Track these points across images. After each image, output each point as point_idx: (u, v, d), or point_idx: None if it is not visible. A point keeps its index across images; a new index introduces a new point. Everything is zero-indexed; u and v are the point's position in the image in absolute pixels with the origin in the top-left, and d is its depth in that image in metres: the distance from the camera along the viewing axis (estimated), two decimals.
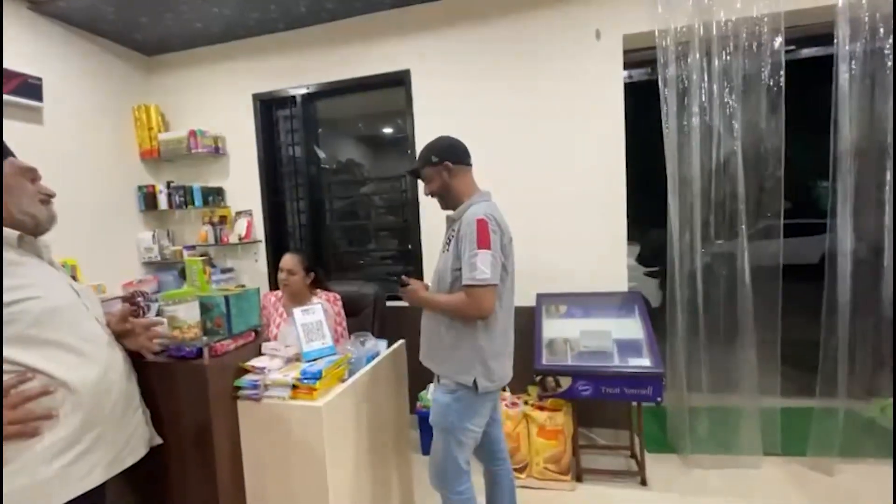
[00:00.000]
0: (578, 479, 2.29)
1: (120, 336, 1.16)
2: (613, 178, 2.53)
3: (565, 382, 2.17)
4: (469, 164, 1.63)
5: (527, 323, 2.49)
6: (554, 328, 2.46)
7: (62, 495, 0.92)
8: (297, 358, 1.46)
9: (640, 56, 2.56)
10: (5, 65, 2.35)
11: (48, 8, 2.54)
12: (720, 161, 2.31)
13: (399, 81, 2.81)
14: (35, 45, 2.55)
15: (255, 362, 1.37)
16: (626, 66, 2.53)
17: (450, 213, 1.62)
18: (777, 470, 2.29)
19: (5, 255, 0.94)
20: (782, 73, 2.19)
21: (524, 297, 2.61)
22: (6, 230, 0.97)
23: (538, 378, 2.21)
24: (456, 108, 2.72)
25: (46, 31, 2.62)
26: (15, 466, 0.88)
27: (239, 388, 1.33)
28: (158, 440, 1.21)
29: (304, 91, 3.00)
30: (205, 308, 1.31)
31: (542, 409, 2.35)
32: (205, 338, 1.29)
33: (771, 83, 2.21)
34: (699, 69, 2.27)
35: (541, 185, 2.64)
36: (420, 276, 2.83)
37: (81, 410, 0.96)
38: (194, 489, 1.28)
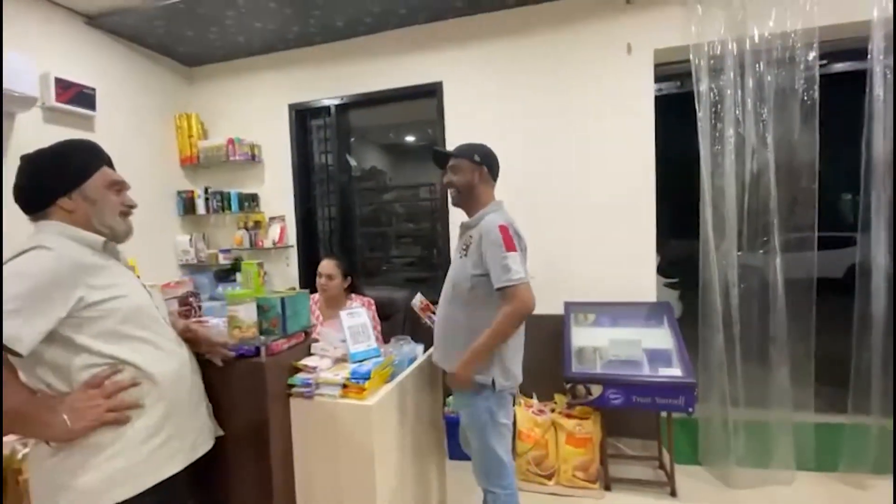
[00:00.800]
0: (607, 487, 2.30)
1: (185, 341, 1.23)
2: (643, 189, 2.57)
3: (596, 391, 2.19)
4: (496, 180, 1.74)
5: (553, 331, 2.53)
6: (582, 336, 2.49)
7: (153, 477, 0.99)
8: (344, 358, 1.52)
9: (670, 69, 2.61)
10: (63, 75, 2.49)
11: (103, 22, 2.68)
12: (753, 173, 2.32)
13: (431, 93, 2.90)
14: (90, 57, 2.70)
15: (308, 361, 1.43)
16: (657, 79, 2.57)
17: (466, 220, 1.70)
18: (810, 485, 2.26)
19: (93, 258, 1.02)
20: (816, 87, 2.21)
21: (551, 305, 2.65)
22: (93, 236, 1.04)
23: (568, 386, 2.23)
24: (487, 119, 2.80)
25: (100, 44, 2.77)
26: (112, 450, 0.95)
27: (292, 385, 1.39)
28: (221, 432, 1.27)
29: (338, 102, 3.11)
30: (262, 309, 1.38)
31: (570, 416, 2.37)
32: (262, 337, 1.36)
33: (805, 97, 2.23)
34: (732, 84, 2.30)
35: (571, 195, 2.69)
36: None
37: (163, 401, 1.03)
38: (250, 481, 1.34)
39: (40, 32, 2.44)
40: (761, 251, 2.32)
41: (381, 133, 3.46)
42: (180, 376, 1.09)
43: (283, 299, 1.41)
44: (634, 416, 2.57)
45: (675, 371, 2.16)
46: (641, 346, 2.31)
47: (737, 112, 2.30)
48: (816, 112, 2.21)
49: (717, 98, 2.34)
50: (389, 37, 2.94)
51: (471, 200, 1.69)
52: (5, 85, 2.13)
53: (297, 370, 1.42)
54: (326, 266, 2.28)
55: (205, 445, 1.16)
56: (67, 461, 0.93)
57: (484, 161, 1.67)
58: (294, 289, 1.71)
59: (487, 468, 1.62)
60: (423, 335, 2.25)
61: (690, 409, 2.07)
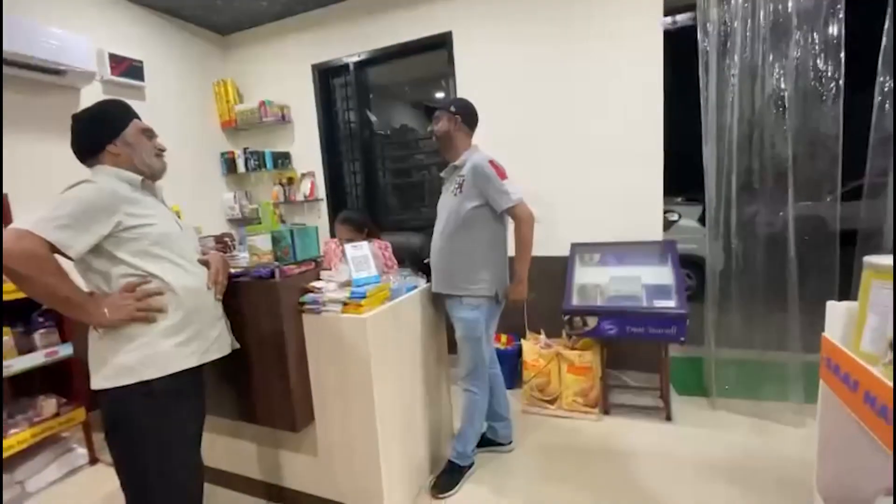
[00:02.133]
0: (606, 412, 2.48)
1: None
2: (650, 129, 2.56)
3: (592, 322, 2.33)
4: (472, 130, 1.97)
5: (562, 272, 2.65)
6: (586, 275, 2.60)
7: (173, 365, 1.27)
8: (348, 283, 1.76)
9: None
10: (114, 50, 2.82)
11: None
12: (765, 106, 2.25)
13: (441, 44, 2.97)
14: (135, 33, 3.02)
15: (315, 284, 1.69)
16: (669, 11, 2.49)
17: (454, 163, 1.92)
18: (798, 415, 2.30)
19: (132, 193, 1.29)
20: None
21: (560, 246, 2.77)
22: (131, 174, 1.31)
23: (566, 318, 2.38)
24: (495, 66, 2.85)
25: (143, 20, 3.07)
26: (141, 341, 1.24)
27: (303, 303, 1.66)
28: (237, 345, 1.55)
29: (356, 59, 3.25)
30: (275, 240, 1.65)
31: (573, 349, 2.54)
32: (276, 262, 1.63)
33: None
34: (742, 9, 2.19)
35: (577, 136, 2.73)
36: None
37: (183, 308, 1.30)
38: (272, 383, 1.65)
39: (92, 11, 2.77)
40: (777, 195, 2.25)
41: (399, 89, 3.59)
42: (199, 292, 1.36)
43: (292, 231, 1.66)
44: (640, 350, 2.69)
45: (669, 303, 2.24)
46: (641, 283, 2.40)
47: (747, 39, 2.21)
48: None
49: (725, 27, 2.25)
50: None
51: (450, 146, 1.93)
52: (69, 62, 2.48)
53: (308, 291, 1.68)
54: (340, 232, 2.50)
55: (220, 351, 1.44)
56: (108, 343, 1.24)
57: (459, 111, 1.89)
58: (304, 224, 1.96)
59: (474, 370, 1.93)
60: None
61: (682, 339, 2.16)
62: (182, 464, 1.33)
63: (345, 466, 1.74)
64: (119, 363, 1.22)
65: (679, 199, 5.57)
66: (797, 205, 2.22)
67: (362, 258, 1.83)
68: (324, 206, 3.54)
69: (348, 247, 1.84)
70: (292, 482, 1.89)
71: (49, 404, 2.16)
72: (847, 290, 2.21)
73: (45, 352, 2.11)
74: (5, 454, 1.98)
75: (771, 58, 2.19)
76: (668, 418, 2.37)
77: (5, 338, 2.00)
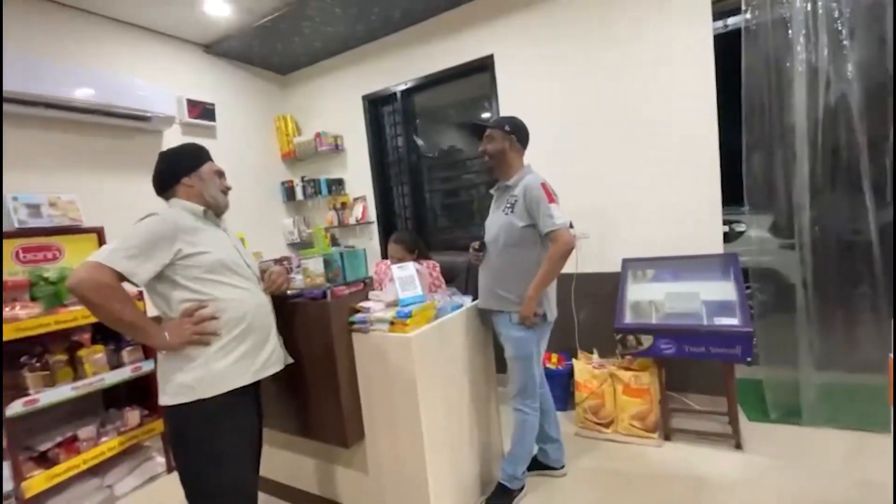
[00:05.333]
0: (667, 437, 2.33)
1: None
2: (704, 137, 2.44)
3: (647, 341, 2.22)
4: (524, 148, 1.97)
5: (614, 289, 2.56)
6: (640, 292, 2.50)
7: (228, 384, 1.37)
8: (395, 303, 1.82)
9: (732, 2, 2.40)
10: (190, 96, 3.16)
11: (216, 49, 3.32)
12: (830, 108, 2.09)
13: (484, 67, 3.04)
14: (208, 79, 3.36)
15: (364, 304, 1.77)
16: (718, 15, 2.40)
17: (505, 183, 1.92)
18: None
19: (194, 222, 1.42)
20: None
21: (610, 263, 2.69)
22: (196, 206, 1.46)
23: (618, 337, 2.29)
24: (537, 81, 2.87)
25: (215, 66, 3.42)
26: (198, 362, 1.35)
27: (352, 322, 1.74)
28: (290, 360, 1.65)
29: (403, 87, 3.41)
30: (326, 262, 1.74)
31: (628, 369, 2.42)
32: (327, 284, 1.72)
33: None
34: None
35: (625, 148, 2.66)
36: None
37: (237, 329, 1.40)
38: (324, 399, 1.73)
39: (170, 63, 3.13)
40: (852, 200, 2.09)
41: (445, 113, 3.68)
42: (254, 312, 1.46)
43: (342, 254, 1.76)
44: (703, 371, 2.52)
45: (732, 321, 2.09)
46: (700, 299, 2.26)
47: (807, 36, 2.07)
48: None
49: (785, 25, 2.13)
50: (443, 19, 3.14)
51: (503, 165, 1.94)
52: (153, 109, 2.82)
53: (357, 311, 1.76)
54: (393, 250, 2.59)
55: (274, 367, 1.53)
56: (171, 363, 1.36)
57: (513, 130, 1.90)
58: (353, 247, 2.06)
59: (524, 390, 1.90)
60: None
61: (748, 359, 2.00)
62: (237, 476, 1.42)
63: (394, 484, 1.76)
64: (179, 382, 1.34)
65: (746, 208, 5.21)
66: (880, 212, 2.02)
67: (408, 278, 1.89)
68: (375, 229, 3.68)
69: (394, 267, 1.91)
70: (344, 498, 1.95)
71: (133, 415, 2.40)
72: None
73: (132, 367, 2.35)
74: (98, 460, 2.21)
75: (836, 56, 2.04)
76: (738, 446, 2.18)
77: (98, 355, 2.25)
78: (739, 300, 2.15)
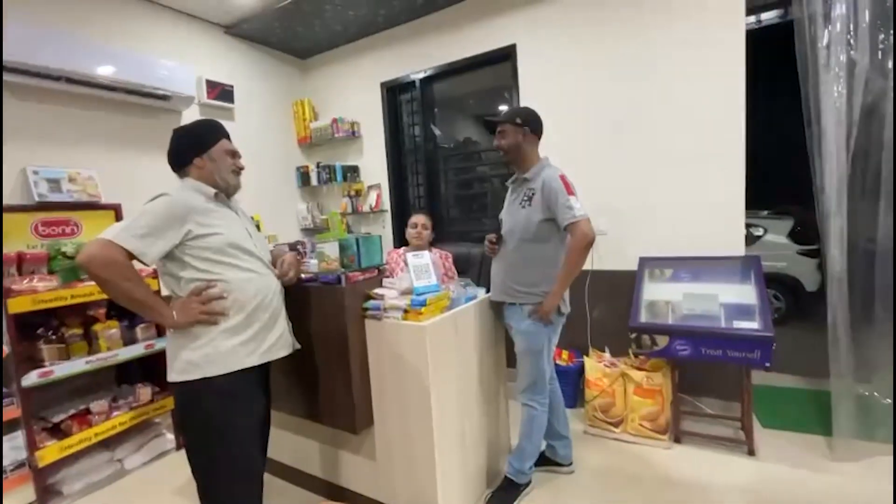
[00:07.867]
0: (677, 440, 2.30)
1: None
2: (731, 137, 2.37)
3: (662, 341, 2.18)
4: (539, 138, 1.92)
5: (629, 288, 2.51)
6: (657, 291, 2.45)
7: (234, 364, 1.37)
8: (409, 291, 1.80)
9: None
10: (210, 77, 3.15)
11: (237, 30, 3.30)
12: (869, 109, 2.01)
13: (506, 56, 2.99)
14: (228, 60, 3.35)
15: (378, 291, 1.75)
16: (752, 10, 2.32)
17: (523, 175, 1.89)
18: None
19: (205, 204, 1.40)
20: None
21: (627, 261, 2.65)
22: (207, 188, 1.44)
23: (633, 336, 2.26)
24: (560, 73, 2.81)
25: (235, 48, 3.41)
26: (204, 340, 1.35)
27: (366, 309, 1.73)
28: (297, 346, 1.63)
29: (422, 75, 3.37)
30: (342, 247, 1.73)
31: (640, 369, 2.39)
32: (342, 269, 1.71)
33: None
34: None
35: (648, 144, 2.60)
36: None
37: (245, 310, 1.40)
38: (335, 383, 1.72)
39: (191, 43, 3.12)
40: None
41: (464, 102, 3.64)
42: (262, 295, 1.45)
43: (357, 240, 1.74)
44: (718, 375, 2.48)
45: (752, 324, 2.04)
46: (719, 301, 2.21)
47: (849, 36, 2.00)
48: None
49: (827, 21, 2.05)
50: (465, 7, 3.08)
51: (519, 158, 1.90)
52: (174, 89, 2.81)
53: (370, 297, 1.75)
54: (420, 217, 2.63)
55: (281, 351, 1.52)
56: (179, 341, 1.36)
57: (525, 122, 1.85)
58: (369, 233, 2.04)
59: (533, 385, 1.89)
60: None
61: (767, 364, 1.96)
62: (241, 455, 1.42)
63: (402, 472, 1.76)
64: (186, 359, 1.35)
65: (765, 213, 5.09)
66: None
67: (423, 267, 1.87)
68: (388, 217, 3.66)
69: (409, 255, 1.89)
70: (351, 483, 1.95)
71: (145, 392, 2.42)
72: None
73: (145, 344, 2.37)
74: (109, 434, 2.24)
75: (880, 55, 1.96)
76: (751, 453, 2.14)
77: (112, 330, 2.27)
78: (760, 304, 2.10)
